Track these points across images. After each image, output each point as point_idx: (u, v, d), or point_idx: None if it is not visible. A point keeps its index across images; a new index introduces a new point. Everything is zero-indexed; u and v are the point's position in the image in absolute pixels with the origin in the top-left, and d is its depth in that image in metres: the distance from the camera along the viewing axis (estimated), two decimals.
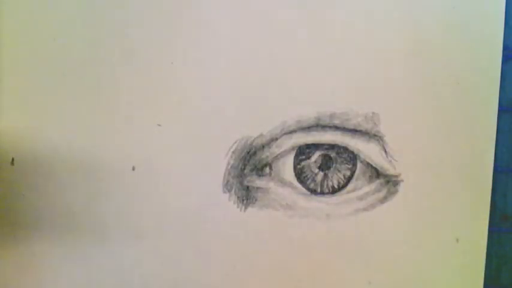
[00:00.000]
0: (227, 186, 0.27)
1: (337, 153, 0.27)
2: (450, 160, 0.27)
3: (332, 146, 0.27)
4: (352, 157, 0.27)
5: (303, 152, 0.27)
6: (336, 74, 0.27)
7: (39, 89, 0.27)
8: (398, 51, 0.27)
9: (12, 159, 0.27)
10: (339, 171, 0.27)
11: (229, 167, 0.27)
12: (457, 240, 0.27)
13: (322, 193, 0.27)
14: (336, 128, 0.27)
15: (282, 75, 0.27)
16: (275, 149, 0.27)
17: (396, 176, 0.27)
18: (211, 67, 0.27)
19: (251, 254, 0.28)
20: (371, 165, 0.27)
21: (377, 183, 0.27)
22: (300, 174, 0.27)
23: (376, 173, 0.27)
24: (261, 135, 0.27)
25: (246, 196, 0.27)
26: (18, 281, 0.27)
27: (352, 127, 0.27)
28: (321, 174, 0.27)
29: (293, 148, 0.27)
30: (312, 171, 0.27)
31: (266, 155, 0.27)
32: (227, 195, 0.27)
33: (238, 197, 0.27)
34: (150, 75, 0.27)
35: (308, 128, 0.27)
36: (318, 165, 0.27)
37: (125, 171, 0.27)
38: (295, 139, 0.27)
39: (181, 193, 0.27)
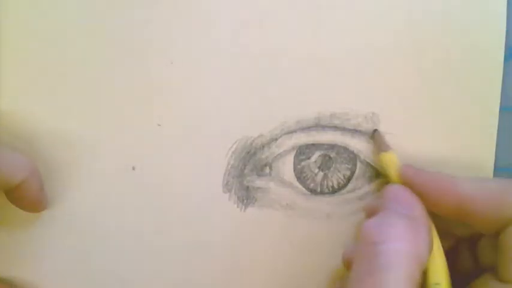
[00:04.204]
0: (227, 186, 0.27)
1: (337, 153, 0.27)
2: (450, 160, 0.27)
3: (332, 146, 0.27)
4: (352, 157, 0.27)
5: (303, 152, 0.27)
6: (336, 74, 0.27)
7: (38, 90, 0.27)
8: (398, 51, 0.27)
9: None
10: (339, 171, 0.27)
11: (229, 167, 0.27)
12: None
13: (322, 193, 0.27)
14: (336, 128, 0.27)
15: (282, 75, 0.27)
16: (275, 149, 0.27)
17: None
18: (211, 67, 0.27)
19: (251, 254, 0.28)
20: (371, 165, 0.27)
21: (377, 183, 0.27)
22: (300, 174, 0.27)
23: (376, 173, 0.27)
24: (261, 135, 0.27)
25: (246, 196, 0.27)
26: (18, 280, 0.28)
27: (352, 127, 0.27)
28: (321, 174, 0.27)
29: (293, 148, 0.27)
30: (312, 171, 0.27)
31: (266, 155, 0.27)
32: (227, 195, 0.27)
33: (238, 197, 0.27)
34: (150, 75, 0.27)
35: (308, 128, 0.27)
36: (318, 165, 0.27)
37: (125, 171, 0.27)
38: (295, 139, 0.27)
39: (181, 193, 0.27)
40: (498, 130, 0.27)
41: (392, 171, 0.25)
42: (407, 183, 0.24)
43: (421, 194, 0.23)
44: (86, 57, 0.27)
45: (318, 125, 0.27)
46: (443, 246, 0.23)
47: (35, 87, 0.27)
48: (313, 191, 0.27)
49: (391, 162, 0.25)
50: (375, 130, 0.26)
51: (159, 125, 0.27)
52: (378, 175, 0.27)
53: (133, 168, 0.27)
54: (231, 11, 0.27)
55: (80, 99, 0.27)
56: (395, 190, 0.23)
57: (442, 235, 0.23)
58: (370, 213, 0.24)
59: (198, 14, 0.27)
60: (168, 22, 0.27)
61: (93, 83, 0.27)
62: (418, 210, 0.22)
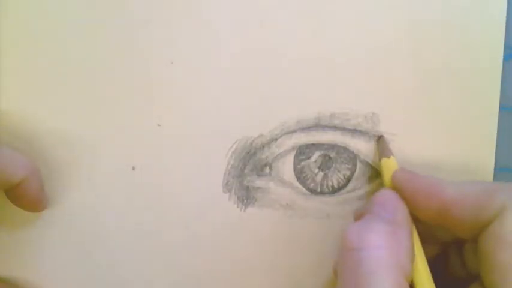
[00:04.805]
0: (227, 186, 0.27)
1: (337, 153, 0.27)
2: (450, 160, 0.27)
3: (332, 146, 0.27)
4: (352, 157, 0.27)
5: (303, 152, 0.27)
6: (336, 74, 0.27)
7: (39, 90, 0.27)
8: (398, 51, 0.27)
9: None
10: (339, 171, 0.27)
11: (229, 167, 0.27)
12: None
13: (322, 193, 0.27)
14: (336, 128, 0.27)
15: (282, 75, 0.27)
16: (275, 149, 0.27)
17: None
18: (211, 67, 0.27)
19: (251, 254, 0.28)
20: (371, 165, 0.27)
21: (377, 183, 0.27)
22: (300, 174, 0.27)
23: (375, 173, 0.27)
24: (261, 135, 0.27)
25: (246, 196, 0.27)
26: (19, 280, 0.28)
27: (352, 127, 0.27)
28: (321, 174, 0.27)
29: (293, 148, 0.27)
30: (311, 171, 0.27)
31: (266, 155, 0.27)
32: (227, 195, 0.27)
33: (238, 197, 0.27)
34: (150, 75, 0.27)
35: (308, 128, 0.27)
36: (318, 165, 0.27)
37: (125, 171, 0.27)
38: (295, 139, 0.27)
39: (181, 193, 0.27)
40: (498, 130, 0.27)
41: (388, 177, 0.24)
42: (398, 187, 0.23)
43: (409, 199, 0.23)
44: (86, 57, 0.27)
45: (318, 125, 0.27)
46: (429, 252, 0.23)
47: (35, 87, 0.27)
48: (313, 191, 0.27)
49: (390, 167, 0.25)
50: (381, 136, 0.27)
51: (159, 125, 0.27)
52: (378, 175, 0.27)
53: (133, 168, 0.27)
54: (231, 11, 0.27)
55: (80, 99, 0.27)
56: (382, 194, 0.23)
57: (426, 240, 0.23)
58: (358, 217, 0.23)
59: (198, 14, 0.27)
60: (168, 22, 0.27)
61: (93, 83, 0.27)
62: (401, 214, 0.22)
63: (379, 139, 0.27)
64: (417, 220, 0.23)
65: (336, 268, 0.23)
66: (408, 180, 0.23)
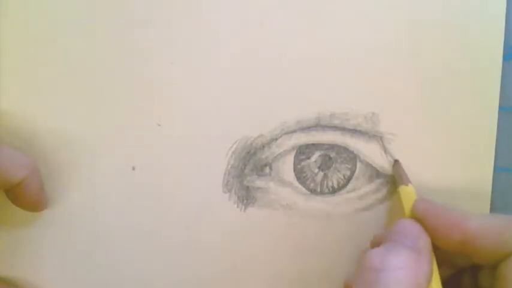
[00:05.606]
0: (227, 186, 0.27)
1: (337, 153, 0.27)
2: (450, 160, 0.27)
3: (332, 146, 0.27)
4: (352, 157, 0.27)
5: (303, 152, 0.27)
6: (336, 74, 0.27)
7: (38, 90, 0.27)
8: (398, 51, 0.27)
9: None
10: (339, 171, 0.27)
11: (229, 167, 0.27)
12: None
13: (322, 193, 0.27)
14: (336, 128, 0.27)
15: (282, 75, 0.27)
16: (275, 149, 0.27)
17: None
18: (211, 67, 0.27)
19: (251, 254, 0.28)
20: (371, 165, 0.27)
21: (377, 183, 0.27)
22: (300, 174, 0.27)
23: (376, 173, 0.27)
24: (261, 135, 0.27)
25: (246, 196, 0.27)
26: (19, 280, 0.28)
27: (352, 127, 0.27)
28: (321, 174, 0.27)
29: (293, 148, 0.27)
30: (312, 171, 0.27)
31: (266, 155, 0.27)
32: (227, 195, 0.27)
33: (238, 197, 0.27)
34: (150, 75, 0.27)
35: (308, 128, 0.27)
36: (318, 165, 0.27)
37: (125, 171, 0.27)
38: (295, 139, 0.27)
39: (181, 193, 0.27)
40: (498, 130, 0.27)
41: (407, 205, 0.24)
42: (419, 217, 0.24)
43: (431, 229, 0.23)
44: (86, 57, 0.27)
45: (318, 125, 0.27)
46: (445, 275, 0.23)
47: (35, 87, 0.27)
48: (313, 191, 0.27)
49: (409, 196, 0.25)
50: (396, 161, 0.27)
51: (159, 125, 0.27)
52: (378, 175, 0.27)
53: (133, 168, 0.27)
54: (231, 11, 0.27)
55: (80, 99, 0.27)
56: (404, 224, 0.23)
57: (444, 265, 0.24)
58: (375, 243, 0.24)
59: (198, 14, 0.27)
60: (168, 22, 0.27)
61: (93, 83, 0.27)
62: (423, 242, 0.22)
63: (395, 163, 0.27)
64: (435, 247, 0.23)
65: (348, 285, 0.23)
66: (429, 211, 0.23)
